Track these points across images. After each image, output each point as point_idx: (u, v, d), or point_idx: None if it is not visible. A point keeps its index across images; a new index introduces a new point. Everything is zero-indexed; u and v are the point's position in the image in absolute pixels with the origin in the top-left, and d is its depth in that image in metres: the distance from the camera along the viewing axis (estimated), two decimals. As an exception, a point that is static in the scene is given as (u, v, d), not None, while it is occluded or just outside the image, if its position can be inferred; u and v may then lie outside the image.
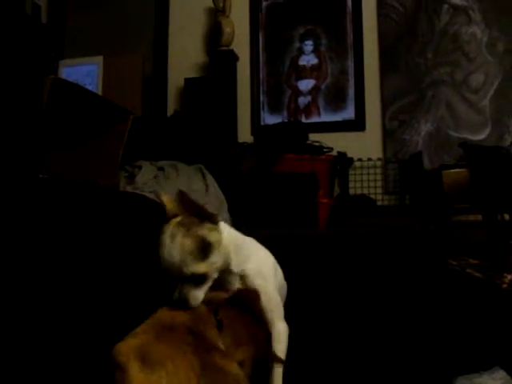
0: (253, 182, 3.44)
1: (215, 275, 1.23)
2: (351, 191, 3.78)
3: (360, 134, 3.93)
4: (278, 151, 3.50)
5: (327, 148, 3.62)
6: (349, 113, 3.99)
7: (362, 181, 3.79)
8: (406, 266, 1.41)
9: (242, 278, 1.29)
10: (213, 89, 3.94)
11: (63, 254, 1.68)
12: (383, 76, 3.94)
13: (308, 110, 4.06)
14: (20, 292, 1.50)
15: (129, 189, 3.19)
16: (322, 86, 4.05)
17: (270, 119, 4.08)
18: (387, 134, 3.89)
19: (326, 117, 4.02)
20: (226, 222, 3.59)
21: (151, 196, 2.98)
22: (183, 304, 1.19)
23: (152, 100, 4.14)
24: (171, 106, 4.21)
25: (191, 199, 1.23)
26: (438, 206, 3.34)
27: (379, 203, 3.76)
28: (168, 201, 1.29)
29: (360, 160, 3.79)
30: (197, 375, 1.08)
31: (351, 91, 3.98)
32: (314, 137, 3.67)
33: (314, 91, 4.06)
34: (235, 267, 1.29)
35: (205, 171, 3.40)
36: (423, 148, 3.77)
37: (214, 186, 3.35)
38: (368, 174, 3.80)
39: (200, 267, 1.19)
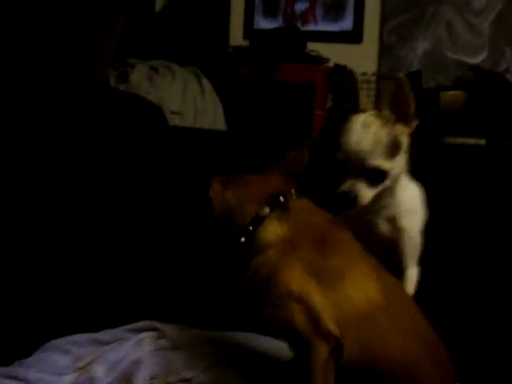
0: (249, 88, 3.36)
1: (388, 182, 1.12)
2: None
3: (356, 46, 3.86)
4: (276, 59, 3.40)
5: (325, 58, 3.55)
6: (346, 23, 3.89)
7: (354, 95, 3.74)
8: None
9: (392, 216, 1.18)
10: (205, -15, 3.74)
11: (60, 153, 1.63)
12: (385, -12, 3.83)
13: (304, 17, 3.93)
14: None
15: (122, 88, 3.05)
16: (321, -7, 3.91)
17: (263, 23, 3.94)
18: (384, 49, 3.84)
19: (323, 25, 3.92)
20: (221, 126, 3.49)
21: (149, 97, 2.89)
22: (346, 202, 1.10)
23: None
24: (160, 2, 3.98)
25: (407, 93, 1.11)
26: (432, 126, 3.36)
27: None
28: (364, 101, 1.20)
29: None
30: (374, 271, 1.04)
31: (351, 1, 3.86)
32: (309, 46, 3.58)
33: (313, -3, 3.92)
34: (394, 199, 1.17)
35: (199, 74, 3.28)
36: (418, 66, 3.74)
37: (209, 90, 3.25)
38: (361, 88, 3.75)
39: (386, 163, 1.09)
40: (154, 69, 3.16)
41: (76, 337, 1.30)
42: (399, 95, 1.12)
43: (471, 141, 3.28)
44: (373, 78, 3.79)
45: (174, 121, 2.92)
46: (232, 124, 3.20)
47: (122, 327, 1.36)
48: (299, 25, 3.90)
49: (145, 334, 1.29)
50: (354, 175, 1.10)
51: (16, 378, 1.16)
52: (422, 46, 3.79)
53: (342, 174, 1.12)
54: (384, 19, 3.83)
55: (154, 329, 1.34)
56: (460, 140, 3.32)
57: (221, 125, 3.22)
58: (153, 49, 3.43)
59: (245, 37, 3.91)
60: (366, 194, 1.10)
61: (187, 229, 1.62)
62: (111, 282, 1.49)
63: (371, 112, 1.14)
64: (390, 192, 1.16)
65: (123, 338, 1.30)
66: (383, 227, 1.18)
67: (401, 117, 1.12)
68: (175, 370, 1.21)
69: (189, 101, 3.13)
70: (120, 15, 3.01)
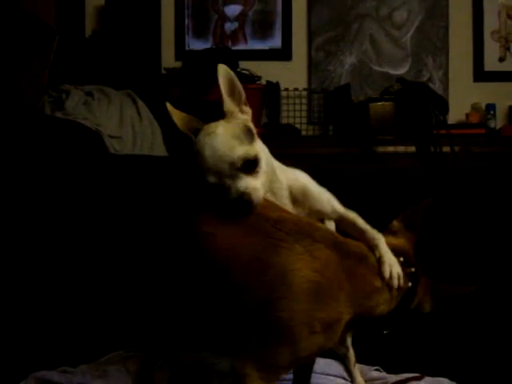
0: (184, 109, 3.39)
1: (264, 166, 1.06)
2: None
3: (286, 63, 3.98)
4: (209, 79, 3.46)
5: (257, 76, 3.64)
6: (276, 41, 4.00)
7: (287, 110, 3.86)
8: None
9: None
10: (135, 9, 3.77)
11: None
12: (311, 6, 3.98)
13: (234, 37, 4.02)
14: None
15: (59, 115, 3.03)
16: (249, 13, 4.02)
17: (195, 44, 4.00)
18: (313, 65, 3.97)
19: (253, 44, 4.01)
20: (160, 148, 3.49)
21: (86, 124, 2.90)
22: (241, 205, 1.02)
23: (67, 19, 3.88)
24: (89, 27, 3.98)
25: (236, 82, 1.15)
26: (362, 137, 3.49)
27: (303, 133, 3.87)
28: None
29: (286, 90, 3.85)
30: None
31: (278, 19, 3.98)
32: (240, 64, 3.66)
33: (241, 17, 4.02)
34: (281, 176, 1.13)
35: (135, 97, 3.30)
36: (346, 80, 3.89)
37: (146, 113, 3.28)
38: (294, 103, 3.88)
39: (250, 149, 1.04)
40: (89, 94, 3.16)
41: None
42: (231, 87, 1.15)
43: (401, 149, 3.45)
44: (304, 93, 3.91)
45: (114, 145, 2.94)
46: (171, 145, 3.23)
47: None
48: (230, 44, 3.99)
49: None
50: (231, 179, 1.04)
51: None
52: (349, 60, 3.96)
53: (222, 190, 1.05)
54: (311, 36, 3.98)
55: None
56: (391, 149, 3.48)
57: (160, 147, 3.24)
58: (86, 74, 3.43)
59: (177, 58, 3.96)
60: (255, 186, 1.04)
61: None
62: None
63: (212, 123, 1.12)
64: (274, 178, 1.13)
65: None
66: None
67: (239, 106, 1.15)
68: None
69: (126, 124, 3.15)
70: (52, 43, 3.01)
